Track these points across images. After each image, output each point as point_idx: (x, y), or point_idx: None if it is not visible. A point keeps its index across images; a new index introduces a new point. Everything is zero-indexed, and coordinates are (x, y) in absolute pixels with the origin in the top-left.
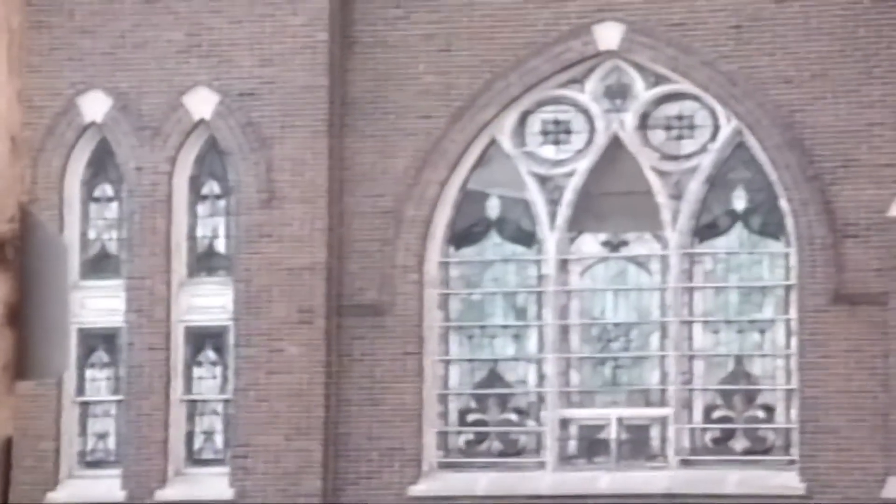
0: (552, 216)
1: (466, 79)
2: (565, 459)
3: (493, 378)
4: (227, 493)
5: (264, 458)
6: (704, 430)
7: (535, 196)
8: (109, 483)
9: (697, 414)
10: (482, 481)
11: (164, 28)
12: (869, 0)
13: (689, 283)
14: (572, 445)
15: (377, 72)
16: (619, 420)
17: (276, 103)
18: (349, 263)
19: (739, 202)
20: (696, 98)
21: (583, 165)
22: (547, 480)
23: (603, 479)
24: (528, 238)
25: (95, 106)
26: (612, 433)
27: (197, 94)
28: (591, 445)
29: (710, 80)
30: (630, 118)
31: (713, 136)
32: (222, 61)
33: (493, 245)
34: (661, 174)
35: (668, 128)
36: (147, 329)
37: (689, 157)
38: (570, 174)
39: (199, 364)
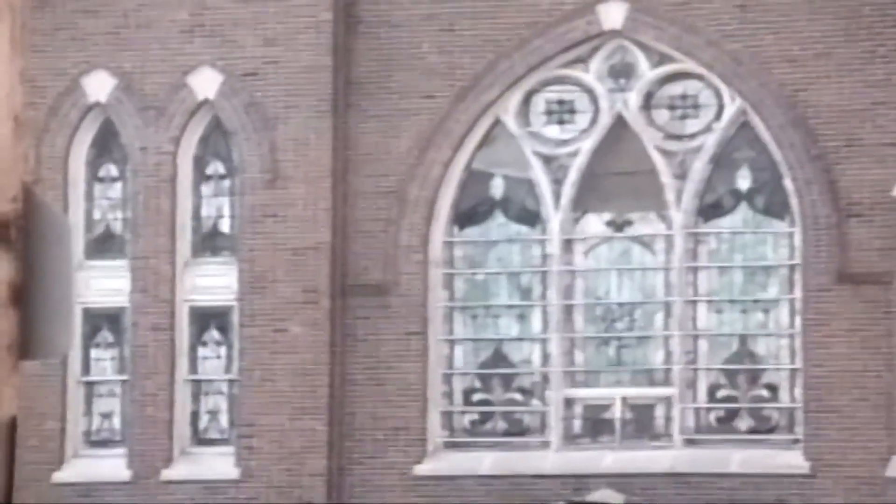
0: (556, 196)
1: (470, 59)
2: (570, 439)
3: (498, 358)
4: (233, 472)
5: (269, 437)
6: (709, 409)
7: (540, 176)
8: (115, 462)
9: (702, 393)
10: (487, 461)
11: (167, 8)
12: None
13: (694, 262)
14: (577, 425)
15: (381, 52)
16: (624, 399)
17: (279, 83)
18: (353, 243)
19: (744, 182)
20: (700, 77)
21: (587, 145)
22: (551, 460)
23: (607, 459)
24: (532, 218)
25: (99, 86)
26: (617, 413)
27: (201, 74)
28: (596, 425)
29: (714, 59)
30: (634, 98)
31: (717, 116)
32: (226, 41)
33: (498, 225)
34: (666, 154)
35: (672, 107)
36: (152, 309)
37: (693, 136)
38: (574, 154)
39: (204, 344)
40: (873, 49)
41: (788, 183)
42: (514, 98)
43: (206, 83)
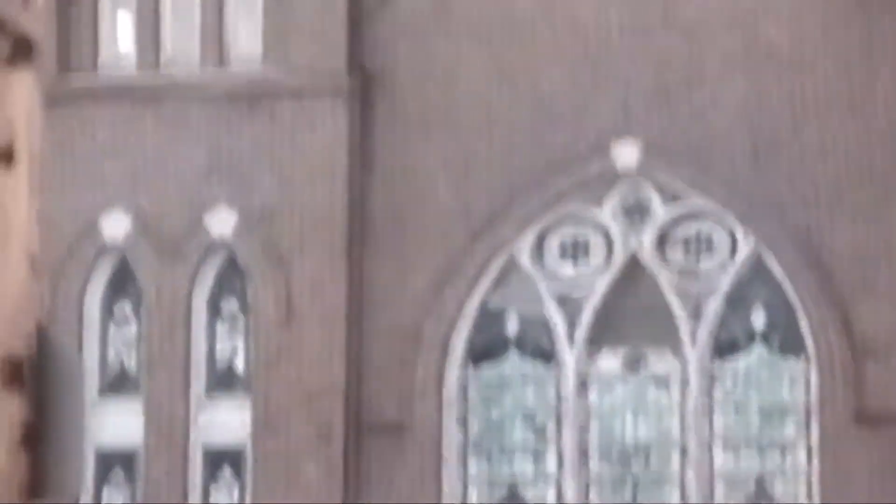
0: (571, 334)
1: (485, 198)
2: None
3: (513, 497)
4: None
5: None
6: None
7: (554, 314)
8: None
9: None
10: None
11: (185, 148)
12: (885, 122)
13: (709, 402)
14: None
15: (396, 192)
16: None
17: (295, 223)
18: (368, 383)
19: (759, 321)
20: (714, 217)
21: (601, 284)
22: None
23: None
24: (547, 356)
25: (116, 226)
26: None
27: (217, 213)
28: None
29: (728, 199)
30: (649, 237)
31: (732, 255)
32: (242, 180)
33: (512, 363)
34: (680, 292)
35: (686, 246)
36: (165, 448)
37: (707, 275)
38: (588, 292)
39: (217, 484)
40: (886, 191)
41: (804, 322)
42: (529, 237)
43: (221, 222)
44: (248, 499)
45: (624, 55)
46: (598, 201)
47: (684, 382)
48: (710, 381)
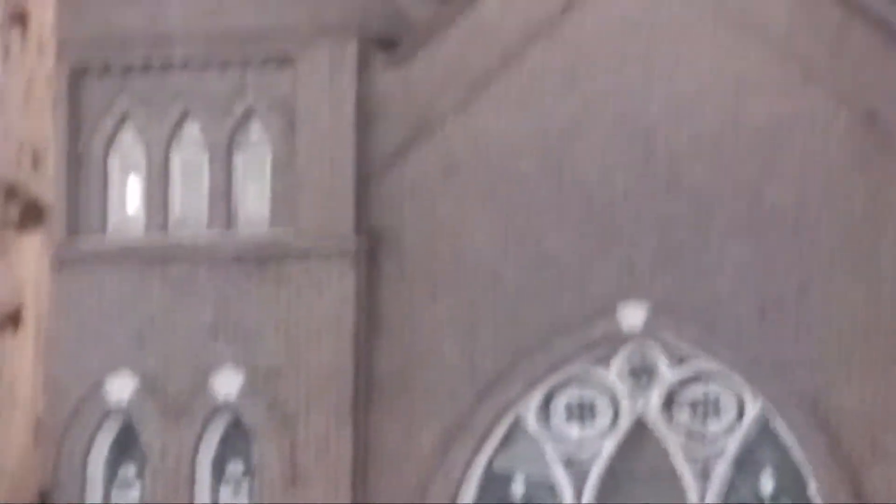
0: (577, 497)
1: (491, 358)
2: None
3: None
4: None
5: None
6: None
7: (560, 477)
8: None
9: None
10: None
11: (191, 309)
12: (890, 282)
13: None
14: None
15: (403, 352)
16: None
17: (301, 383)
18: None
19: (767, 485)
20: (721, 379)
21: (608, 446)
22: None
23: None
24: None
25: (121, 387)
26: None
27: (223, 373)
28: None
29: (735, 361)
30: (655, 398)
31: (739, 418)
32: (249, 341)
33: None
34: (688, 455)
35: (693, 409)
36: None
37: (715, 438)
38: (594, 455)
39: None
40: (893, 351)
41: (813, 486)
42: (535, 398)
43: (227, 382)
44: None
45: (629, 217)
46: (605, 363)
47: None
48: None
